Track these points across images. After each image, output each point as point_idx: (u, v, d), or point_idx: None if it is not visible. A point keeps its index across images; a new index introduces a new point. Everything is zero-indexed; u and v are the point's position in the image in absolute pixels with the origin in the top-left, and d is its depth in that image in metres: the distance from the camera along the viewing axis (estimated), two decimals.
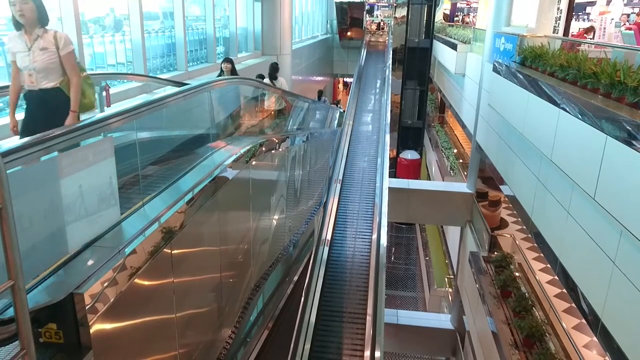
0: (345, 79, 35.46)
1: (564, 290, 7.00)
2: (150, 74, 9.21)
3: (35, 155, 2.35)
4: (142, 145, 3.77)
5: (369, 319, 6.54)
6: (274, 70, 8.72)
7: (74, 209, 2.88)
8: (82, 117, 4.28)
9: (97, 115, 3.23)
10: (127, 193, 3.50)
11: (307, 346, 5.99)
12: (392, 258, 21.03)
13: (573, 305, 6.89)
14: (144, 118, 3.76)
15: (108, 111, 3.90)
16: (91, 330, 2.55)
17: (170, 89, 4.96)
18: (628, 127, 4.36)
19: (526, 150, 7.33)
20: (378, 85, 19.70)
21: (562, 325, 7.02)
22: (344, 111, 15.48)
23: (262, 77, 9.26)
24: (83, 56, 7.07)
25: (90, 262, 2.77)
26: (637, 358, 4.13)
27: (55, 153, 2.56)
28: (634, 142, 4.22)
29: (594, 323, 4.93)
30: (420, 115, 21.81)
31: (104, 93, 6.20)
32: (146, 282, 3.25)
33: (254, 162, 5.70)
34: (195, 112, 5.26)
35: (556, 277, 7.48)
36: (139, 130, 3.73)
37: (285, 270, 8.49)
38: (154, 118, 4.14)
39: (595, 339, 5.42)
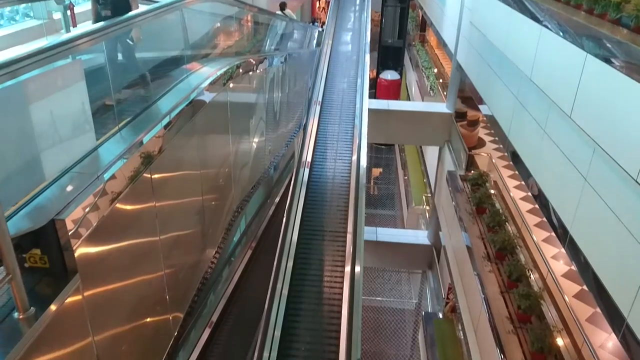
0: None
1: (536, 206, 7.28)
2: None
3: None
4: (113, 69, 3.64)
5: (349, 236, 6.75)
6: (284, 4, 13.39)
7: (47, 136, 2.82)
8: (48, 38, 4.08)
9: (63, 36, 3.08)
10: (101, 118, 3.43)
11: (290, 263, 6.20)
12: (372, 178, 21.38)
13: (544, 219, 7.20)
14: (114, 39, 3.60)
15: (74, 32, 3.71)
16: (76, 255, 2.60)
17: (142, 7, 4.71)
18: (608, 45, 4.33)
19: (506, 70, 7.28)
20: (358, 2, 18.96)
21: (532, 238, 7.37)
22: (323, 30, 15.00)
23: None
24: None
25: (69, 188, 2.77)
26: (600, 267, 4.40)
27: (22, 77, 2.46)
28: (613, 60, 4.21)
29: (563, 236, 5.18)
30: (400, 34, 21.23)
31: (69, 12, 5.86)
32: (128, 207, 3.28)
33: (231, 85, 5.58)
34: (168, 32, 5.04)
35: (529, 194, 7.74)
36: (111, 53, 3.59)
37: (267, 193, 8.60)
38: (124, 39, 3.97)
39: (563, 250, 5.73)
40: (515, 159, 6.87)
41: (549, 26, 5.53)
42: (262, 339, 5.13)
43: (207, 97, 4.75)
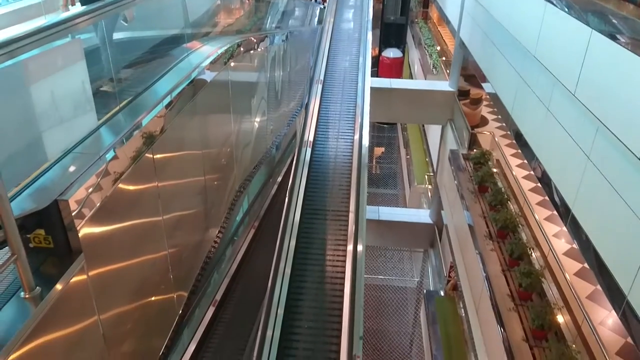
0: None
1: (539, 185, 7.28)
2: None
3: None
4: (114, 48, 3.61)
5: (351, 215, 6.77)
6: None
7: (48, 116, 2.81)
8: (46, 17, 4.04)
9: (62, 14, 3.04)
10: (102, 98, 3.41)
11: (293, 242, 6.24)
12: (374, 157, 21.34)
13: (546, 198, 7.20)
14: (113, 17, 3.57)
15: (74, 10, 3.67)
16: (80, 235, 2.61)
17: None
18: (614, 21, 4.27)
19: (510, 47, 7.20)
20: None
21: (534, 217, 7.38)
22: (325, 7, 14.81)
23: None
24: None
25: (71, 169, 2.77)
26: (602, 245, 4.41)
27: (21, 57, 2.44)
28: (618, 36, 4.16)
29: (565, 214, 5.19)
30: (403, 11, 20.92)
31: None
32: (131, 187, 3.28)
33: (232, 64, 5.53)
34: (168, 10, 4.98)
35: (532, 172, 7.72)
36: (109, 32, 3.55)
37: (269, 172, 8.61)
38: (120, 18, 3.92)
39: (564, 228, 5.75)
40: (519, 139, 6.84)
41: (554, 1, 5.45)
42: (266, 317, 5.19)
43: (208, 76, 4.72)
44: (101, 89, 3.48)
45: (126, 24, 4.14)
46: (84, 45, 3.06)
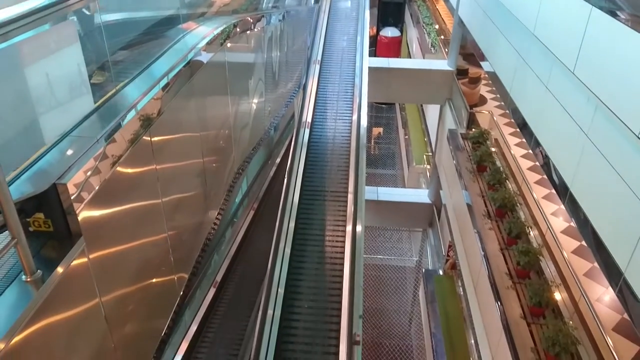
0: None
1: (537, 163, 7.28)
2: None
3: None
4: (108, 29, 3.56)
5: (350, 196, 6.79)
6: None
7: (44, 100, 2.79)
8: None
9: None
10: (98, 81, 3.38)
11: (292, 224, 6.26)
12: (372, 137, 21.30)
13: (544, 177, 7.21)
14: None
15: None
16: (79, 218, 2.62)
17: None
18: None
19: (509, 25, 7.13)
20: None
21: (532, 196, 7.40)
22: None
23: None
24: None
25: (69, 152, 2.76)
26: (600, 223, 4.44)
27: (15, 39, 2.41)
28: (618, 13, 4.12)
29: (563, 192, 5.21)
30: None
31: None
32: (129, 170, 3.28)
33: (229, 44, 5.47)
34: None
35: (530, 151, 7.72)
36: (102, 12, 3.50)
37: (267, 154, 8.61)
38: None
39: (562, 206, 5.77)
40: (518, 120, 6.82)
41: None
42: (267, 297, 5.24)
43: (205, 57, 4.68)
44: (97, 71, 3.45)
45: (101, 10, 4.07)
46: (77, 27, 3.03)
